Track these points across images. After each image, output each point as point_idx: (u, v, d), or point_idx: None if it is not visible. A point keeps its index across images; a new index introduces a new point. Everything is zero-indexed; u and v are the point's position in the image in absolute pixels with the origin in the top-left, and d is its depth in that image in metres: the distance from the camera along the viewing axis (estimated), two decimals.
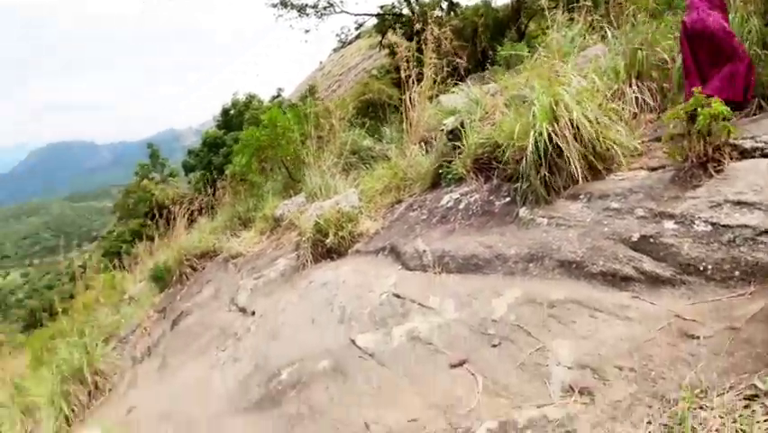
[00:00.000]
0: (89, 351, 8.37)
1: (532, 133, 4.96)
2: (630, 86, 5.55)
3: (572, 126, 4.81)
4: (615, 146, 4.84)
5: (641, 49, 5.64)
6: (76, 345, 8.46)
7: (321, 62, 56.66)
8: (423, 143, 7.58)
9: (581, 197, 4.70)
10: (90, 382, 7.99)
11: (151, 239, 14.36)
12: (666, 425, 2.69)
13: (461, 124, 6.47)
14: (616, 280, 3.90)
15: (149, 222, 15.94)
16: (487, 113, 6.60)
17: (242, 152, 11.56)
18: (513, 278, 4.54)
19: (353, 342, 4.84)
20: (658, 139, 4.79)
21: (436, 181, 6.66)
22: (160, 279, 10.96)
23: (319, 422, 4.22)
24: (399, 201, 7.08)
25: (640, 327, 3.40)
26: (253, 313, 6.88)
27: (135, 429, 5.97)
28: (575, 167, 4.75)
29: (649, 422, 2.80)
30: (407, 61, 8.19)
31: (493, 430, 3.19)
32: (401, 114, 8.62)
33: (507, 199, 5.39)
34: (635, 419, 2.87)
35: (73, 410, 7.68)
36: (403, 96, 8.41)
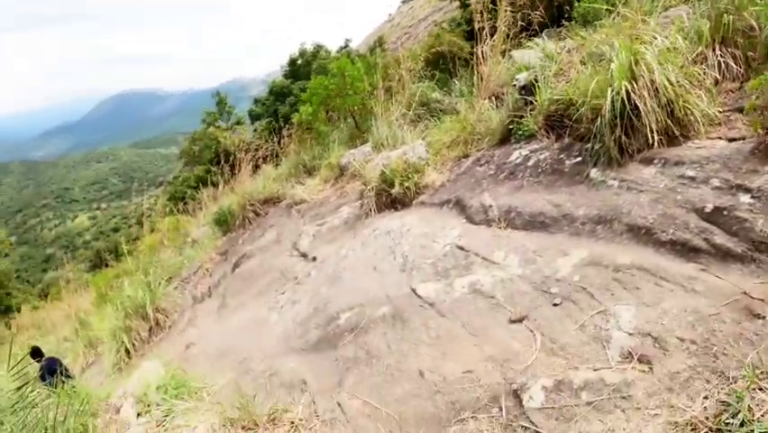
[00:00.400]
0: (152, 289, 8.74)
1: (609, 91, 4.80)
2: (713, 50, 5.21)
3: (652, 87, 4.63)
4: (694, 112, 4.64)
5: (727, 12, 5.29)
6: (140, 284, 8.80)
7: (390, 14, 56.02)
8: (493, 98, 7.41)
9: (656, 162, 4.57)
10: (152, 319, 8.37)
11: (216, 185, 14.60)
12: (724, 402, 2.66)
13: (535, 80, 6.32)
14: (684, 250, 3.81)
15: (214, 168, 16.23)
16: (561, 69, 6.42)
17: (309, 100, 11.55)
18: (579, 238, 4.49)
19: (414, 291, 4.86)
20: (739, 109, 4.56)
21: (506, 137, 6.54)
22: (224, 222, 11.20)
23: (375, 367, 4.29)
24: (466, 155, 6.98)
25: (705, 300, 3.34)
26: (314, 258, 6.98)
27: (193, 365, 6.11)
28: (651, 130, 4.59)
29: (706, 397, 2.77)
30: (481, 14, 8.00)
31: (548, 388, 3.21)
32: (472, 67, 8.45)
33: (578, 159, 5.27)
34: (692, 393, 2.84)
35: (134, 345, 8.06)
36: (474, 50, 8.23)
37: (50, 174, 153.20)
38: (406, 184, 6.92)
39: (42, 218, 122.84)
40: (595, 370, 3.22)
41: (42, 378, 6.80)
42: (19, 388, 3.73)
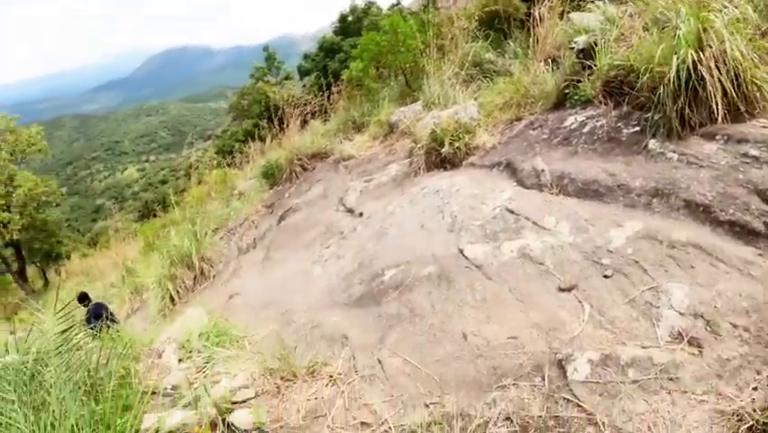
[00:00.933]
0: (198, 239, 8.88)
1: (674, 59, 4.63)
2: None
3: (721, 58, 4.46)
4: (762, 88, 4.47)
5: None
6: (186, 233, 8.96)
7: None
8: (549, 61, 7.26)
9: (718, 137, 4.44)
10: (197, 268, 8.52)
11: (263, 139, 14.74)
12: None
13: (594, 44, 6.15)
14: (743, 232, 3.73)
15: (262, 123, 16.33)
16: (623, 34, 6.22)
17: (359, 56, 11.45)
18: (634, 210, 4.41)
19: (461, 252, 4.84)
20: None
21: (561, 101, 6.42)
22: (271, 176, 11.30)
23: (417, 325, 4.29)
24: (519, 118, 6.89)
25: (761, 287, 3.26)
26: (361, 214, 7.01)
27: (235, 314, 6.18)
28: (716, 103, 4.43)
29: (755, 388, 2.73)
30: None
31: (594, 362, 3.18)
32: (527, 29, 8.27)
33: (637, 129, 5.15)
34: (741, 382, 2.80)
35: (178, 292, 8.25)
36: (531, 11, 8.05)
37: (101, 128, 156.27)
38: (457, 144, 6.85)
39: (93, 170, 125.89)
40: (643, 348, 3.18)
41: (88, 321, 7.05)
42: (64, 331, 3.86)
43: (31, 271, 29.53)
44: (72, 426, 2.77)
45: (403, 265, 5.12)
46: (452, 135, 6.91)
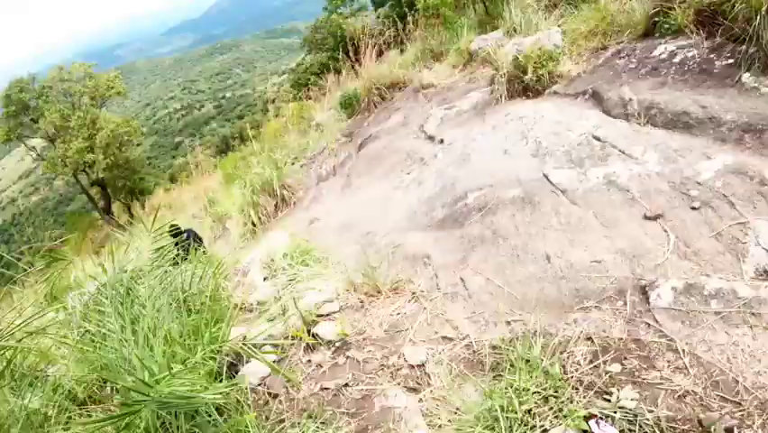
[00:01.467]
0: (279, 167, 9.11)
1: None
2: None
3: None
4: None
5: None
6: (267, 162, 9.19)
7: None
8: None
9: None
10: (278, 195, 8.77)
11: (339, 72, 14.73)
12: None
13: None
14: None
15: (336, 55, 16.34)
16: None
17: None
18: (724, 144, 4.37)
19: (546, 176, 4.88)
20: None
21: (649, 31, 6.28)
22: (349, 106, 11.40)
23: (500, 247, 4.38)
24: (605, 47, 6.78)
25: None
26: (442, 141, 7.05)
27: (317, 237, 6.35)
28: None
29: None
30: None
31: (678, 290, 3.24)
32: None
33: (730, 61, 5.03)
34: None
35: (260, 218, 8.54)
36: None
37: (175, 69, 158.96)
38: (540, 72, 6.79)
39: (170, 109, 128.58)
40: (727, 281, 3.20)
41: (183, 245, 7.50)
42: (158, 249, 4.10)
43: (116, 207, 31.15)
44: (166, 335, 3.01)
45: (486, 189, 5.18)
46: (535, 63, 6.83)
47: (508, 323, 3.61)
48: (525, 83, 6.94)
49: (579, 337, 3.22)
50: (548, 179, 4.85)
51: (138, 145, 33.95)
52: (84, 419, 3.11)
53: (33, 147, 30.02)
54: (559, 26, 7.83)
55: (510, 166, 5.38)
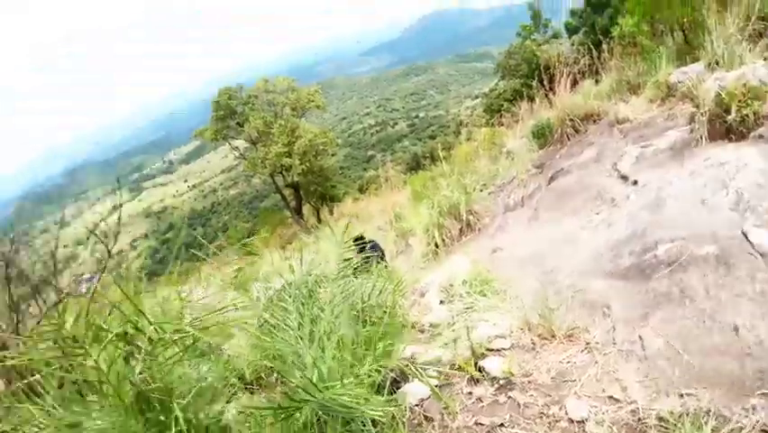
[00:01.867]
0: (468, 192, 9.43)
1: None
2: None
3: None
4: None
5: None
6: (456, 185, 9.53)
7: None
8: None
9: None
10: (464, 219, 9.07)
11: (532, 99, 14.69)
12: None
13: None
14: None
15: (531, 82, 16.34)
16: None
17: (632, 11, 11.03)
18: None
19: (745, 235, 4.52)
20: None
21: None
22: (541, 136, 11.34)
23: (687, 308, 4.13)
24: None
25: None
26: (635, 182, 6.85)
27: (498, 267, 6.36)
28: None
29: None
30: None
31: None
32: None
33: None
34: None
35: (443, 240, 8.89)
36: None
37: (371, 87, 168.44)
38: (744, 111, 6.32)
39: (365, 125, 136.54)
40: None
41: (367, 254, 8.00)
42: (346, 259, 4.42)
43: (306, 209, 34.20)
44: (339, 340, 3.28)
45: (678, 241, 4.93)
46: (739, 101, 6.40)
47: (681, 395, 3.43)
48: (728, 123, 6.52)
49: (754, 428, 3.00)
50: (747, 238, 4.50)
51: (332, 155, 37.21)
52: (252, 402, 3.54)
53: (237, 147, 34.97)
54: (765, 59, 7.29)
55: (706, 218, 5.09)
